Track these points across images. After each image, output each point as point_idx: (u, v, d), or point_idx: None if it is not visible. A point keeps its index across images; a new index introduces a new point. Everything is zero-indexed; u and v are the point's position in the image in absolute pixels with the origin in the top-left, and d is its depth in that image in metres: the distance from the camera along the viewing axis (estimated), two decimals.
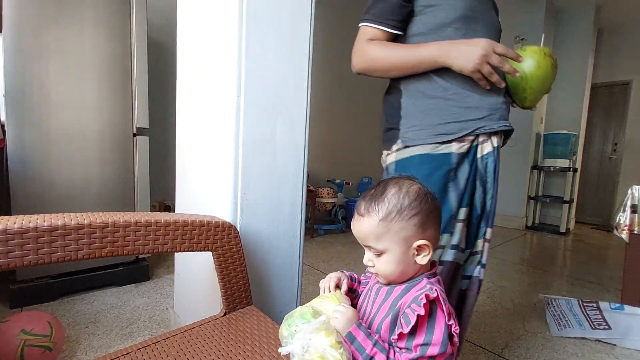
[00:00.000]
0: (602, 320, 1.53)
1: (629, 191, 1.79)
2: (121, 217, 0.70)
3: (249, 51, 0.90)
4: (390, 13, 0.81)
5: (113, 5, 1.63)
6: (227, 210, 0.94)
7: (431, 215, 0.54)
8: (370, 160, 4.41)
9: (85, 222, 0.65)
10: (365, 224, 0.54)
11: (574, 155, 3.91)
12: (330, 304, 0.57)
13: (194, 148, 1.11)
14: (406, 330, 0.47)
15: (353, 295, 0.67)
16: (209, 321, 0.84)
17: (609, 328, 1.48)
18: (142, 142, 1.76)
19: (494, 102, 0.81)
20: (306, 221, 3.29)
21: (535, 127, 3.97)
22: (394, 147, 0.89)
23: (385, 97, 0.97)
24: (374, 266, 0.56)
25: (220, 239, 0.83)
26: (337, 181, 3.52)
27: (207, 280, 1.07)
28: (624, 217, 1.78)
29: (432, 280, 0.55)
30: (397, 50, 0.82)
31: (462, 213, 0.81)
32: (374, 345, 0.49)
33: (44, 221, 0.62)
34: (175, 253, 1.34)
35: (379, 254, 0.54)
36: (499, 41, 0.82)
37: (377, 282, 0.61)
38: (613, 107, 4.47)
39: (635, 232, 1.75)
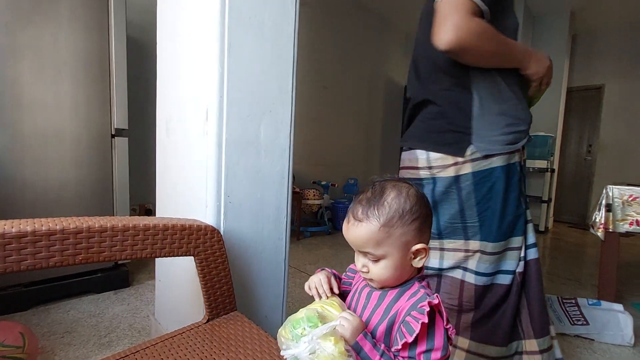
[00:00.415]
0: (580, 316, 1.58)
1: (604, 191, 1.86)
2: (96, 222, 0.67)
3: (232, 51, 0.88)
4: None
5: (90, 2, 1.57)
6: (210, 213, 0.92)
7: (428, 219, 0.54)
8: (355, 161, 4.42)
9: (57, 227, 0.62)
10: (364, 229, 0.52)
11: (552, 156, 4.04)
12: (333, 311, 0.55)
13: (175, 149, 1.08)
14: (410, 339, 0.46)
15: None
16: (192, 328, 0.81)
17: (587, 324, 1.53)
18: (121, 143, 1.70)
19: (530, 117, 0.87)
20: (292, 223, 3.26)
21: None
22: (468, 155, 0.83)
23: (445, 94, 0.86)
24: (368, 272, 0.54)
25: (202, 243, 0.81)
26: (323, 183, 3.52)
27: (190, 286, 1.04)
28: (599, 216, 1.85)
29: (424, 283, 0.55)
30: (504, 37, 0.77)
31: (528, 214, 0.90)
32: (381, 356, 0.48)
33: (12, 227, 0.58)
34: (156, 258, 1.30)
35: (377, 259, 0.53)
36: None
37: (367, 285, 0.60)
38: (587, 110, 4.65)
39: (610, 230, 1.82)
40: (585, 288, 2.19)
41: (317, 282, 0.61)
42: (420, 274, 0.57)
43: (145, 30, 2.45)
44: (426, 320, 0.45)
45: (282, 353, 0.51)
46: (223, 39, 0.86)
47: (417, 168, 0.92)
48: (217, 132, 0.88)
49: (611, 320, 1.50)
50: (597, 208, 1.87)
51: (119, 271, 1.76)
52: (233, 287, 0.89)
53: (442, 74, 0.86)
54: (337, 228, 3.63)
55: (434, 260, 0.92)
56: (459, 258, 0.89)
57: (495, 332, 0.87)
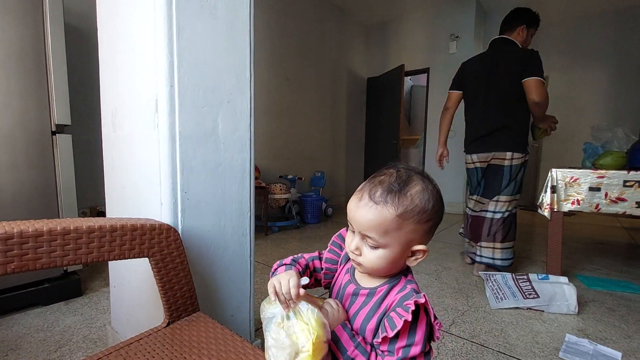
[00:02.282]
0: (532, 290, 1.70)
1: (549, 174, 2.01)
2: (30, 225, 0.60)
3: (182, 36, 0.82)
4: None
5: None
6: (165, 212, 0.86)
7: (438, 223, 0.53)
8: (322, 154, 4.43)
9: None
10: (377, 213, 0.48)
11: None
12: (317, 301, 0.55)
13: (123, 145, 1.00)
14: (391, 334, 0.45)
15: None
16: (150, 334, 0.77)
17: (538, 296, 1.65)
18: (64, 141, 1.55)
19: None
20: (259, 219, 3.21)
21: None
22: (526, 154, 2.00)
23: (519, 123, 1.97)
24: (360, 255, 0.52)
25: (157, 243, 0.76)
26: (290, 176, 3.49)
27: (147, 290, 0.97)
28: (545, 197, 2.00)
29: (409, 277, 0.54)
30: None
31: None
32: (356, 347, 0.48)
33: None
34: (110, 262, 1.21)
35: (376, 246, 0.50)
36: None
37: (350, 281, 0.57)
38: None
39: (555, 210, 1.97)
40: (536, 264, 2.37)
41: (285, 285, 0.51)
42: (404, 267, 0.56)
43: (85, 17, 2.25)
44: (409, 319, 0.44)
45: (262, 316, 0.51)
46: (171, 23, 0.80)
47: (504, 159, 1.97)
48: (169, 124, 0.82)
49: (558, 292, 1.64)
50: (544, 190, 2.02)
51: (70, 280, 1.62)
52: (194, 288, 0.85)
53: (522, 111, 1.93)
54: (305, 221, 3.62)
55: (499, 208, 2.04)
56: (508, 206, 2.03)
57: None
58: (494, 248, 2.02)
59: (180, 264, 0.81)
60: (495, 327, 1.49)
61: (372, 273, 0.54)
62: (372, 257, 0.51)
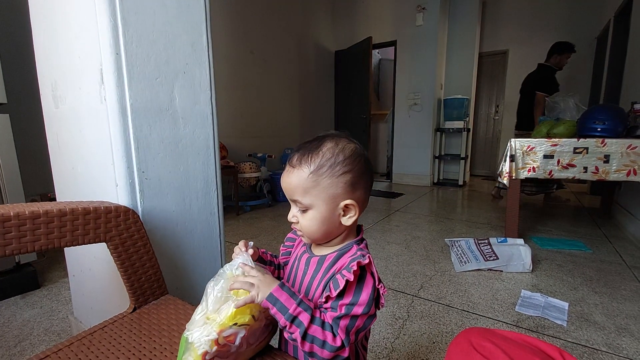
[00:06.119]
0: (492, 252, 1.83)
1: (508, 143, 2.11)
2: None
3: None
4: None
5: None
6: (122, 193, 0.80)
7: (363, 177, 0.53)
8: (291, 131, 4.35)
9: None
10: (295, 176, 0.51)
11: (467, 117, 4.46)
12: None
13: (67, 121, 0.91)
14: (334, 294, 0.46)
15: (270, 267, 0.64)
16: (115, 320, 0.73)
17: (497, 258, 1.78)
18: (1, 121, 1.39)
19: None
20: (230, 199, 3.14)
21: (437, 93, 4.37)
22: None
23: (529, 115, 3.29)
24: (298, 222, 0.54)
25: (115, 226, 0.71)
26: (259, 155, 3.41)
27: (111, 275, 0.92)
28: (505, 166, 2.11)
29: (362, 245, 0.54)
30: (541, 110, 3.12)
31: None
32: (298, 304, 0.46)
33: None
34: (67, 251, 1.13)
35: (305, 209, 0.52)
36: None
37: (305, 251, 0.58)
38: (495, 73, 5.17)
39: (514, 178, 2.10)
40: (496, 229, 2.54)
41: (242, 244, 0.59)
42: (359, 237, 0.56)
43: None
44: (351, 279, 0.45)
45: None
46: None
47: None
48: (119, 97, 0.75)
49: (515, 253, 1.77)
50: (503, 159, 2.13)
51: (24, 272, 1.51)
52: (161, 271, 0.82)
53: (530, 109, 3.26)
54: (277, 200, 3.60)
55: None
56: None
57: None
58: None
59: (142, 247, 0.76)
60: (460, 288, 1.59)
61: (314, 238, 0.55)
62: (304, 221, 0.52)
